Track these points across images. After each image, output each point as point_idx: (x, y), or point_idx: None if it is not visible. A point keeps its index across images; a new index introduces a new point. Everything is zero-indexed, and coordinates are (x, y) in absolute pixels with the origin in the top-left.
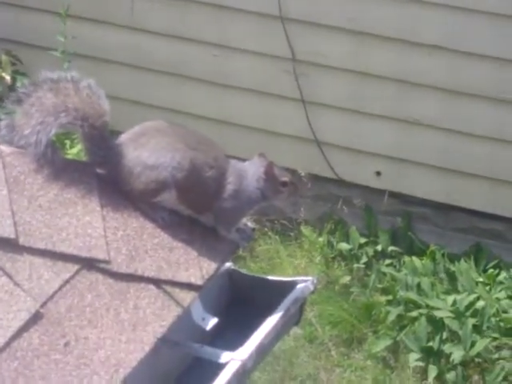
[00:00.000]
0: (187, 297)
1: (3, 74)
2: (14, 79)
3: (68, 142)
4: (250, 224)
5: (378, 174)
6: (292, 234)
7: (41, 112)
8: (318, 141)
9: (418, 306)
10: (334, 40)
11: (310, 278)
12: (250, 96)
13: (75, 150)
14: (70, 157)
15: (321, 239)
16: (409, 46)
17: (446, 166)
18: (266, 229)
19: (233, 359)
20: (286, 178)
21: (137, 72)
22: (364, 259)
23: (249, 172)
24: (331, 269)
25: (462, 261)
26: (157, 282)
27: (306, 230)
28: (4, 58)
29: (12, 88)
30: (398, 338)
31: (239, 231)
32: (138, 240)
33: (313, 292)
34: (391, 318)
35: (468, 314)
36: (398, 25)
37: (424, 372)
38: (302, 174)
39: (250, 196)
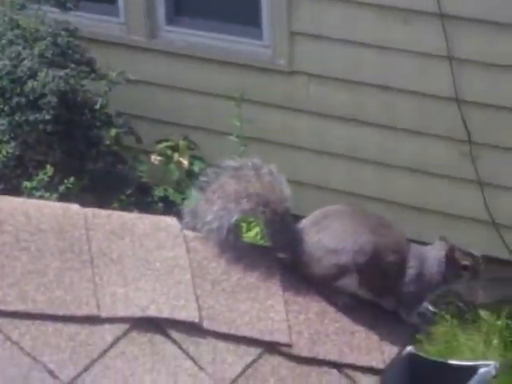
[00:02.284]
0: (369, 381)
1: (181, 159)
2: (191, 164)
3: (244, 225)
4: (431, 308)
5: None
6: (468, 316)
7: (223, 199)
8: (494, 222)
9: None
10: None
11: (491, 362)
12: (423, 177)
13: (252, 234)
14: (247, 240)
15: (499, 322)
16: None
17: None
18: (442, 312)
19: None
20: (467, 262)
21: (314, 156)
22: None
23: (430, 256)
24: (510, 353)
25: None
26: (338, 366)
27: (483, 313)
28: (182, 143)
29: (189, 172)
30: None
31: (420, 315)
32: (319, 324)
33: (494, 377)
34: None
35: None
36: None
37: None
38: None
39: (430, 280)
